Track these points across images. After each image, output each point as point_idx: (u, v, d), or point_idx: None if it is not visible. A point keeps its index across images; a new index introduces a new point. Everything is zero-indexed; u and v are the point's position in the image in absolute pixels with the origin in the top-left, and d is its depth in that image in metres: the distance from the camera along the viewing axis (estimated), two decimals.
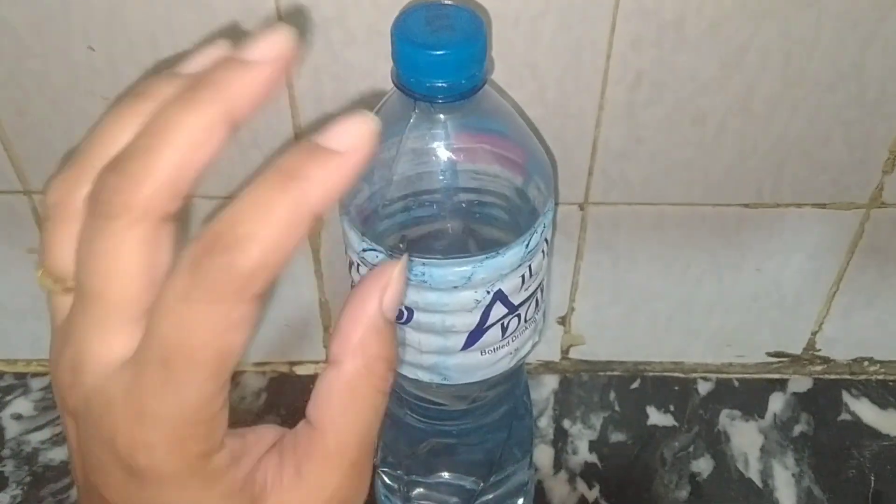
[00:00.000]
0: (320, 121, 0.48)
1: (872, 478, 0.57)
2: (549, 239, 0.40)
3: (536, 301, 0.41)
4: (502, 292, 0.38)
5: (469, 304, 0.37)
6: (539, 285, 0.41)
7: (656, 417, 0.60)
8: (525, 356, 0.43)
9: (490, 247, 0.37)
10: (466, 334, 0.38)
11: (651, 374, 0.62)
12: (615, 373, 0.62)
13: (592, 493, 0.56)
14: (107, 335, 0.23)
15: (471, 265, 0.36)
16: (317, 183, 0.22)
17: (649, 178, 0.51)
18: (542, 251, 0.39)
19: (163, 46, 0.45)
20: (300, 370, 0.63)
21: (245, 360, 0.63)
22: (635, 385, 0.62)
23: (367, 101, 0.46)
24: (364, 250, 0.37)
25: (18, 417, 0.59)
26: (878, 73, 0.45)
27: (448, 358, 0.39)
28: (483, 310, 0.38)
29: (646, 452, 0.58)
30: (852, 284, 0.57)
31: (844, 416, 0.60)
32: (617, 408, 0.60)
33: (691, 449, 0.58)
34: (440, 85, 0.33)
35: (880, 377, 0.62)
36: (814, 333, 0.60)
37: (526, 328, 0.41)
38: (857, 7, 0.43)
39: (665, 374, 0.62)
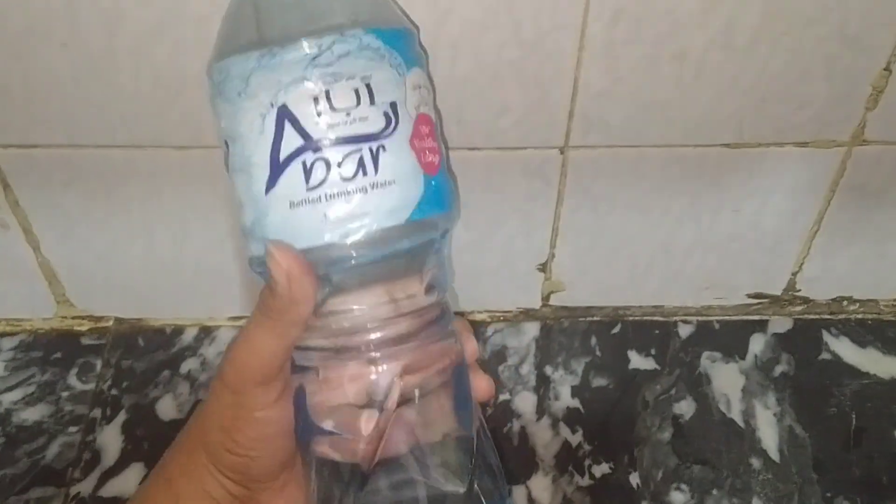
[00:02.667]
0: None
1: (853, 415, 0.57)
2: (372, 94, 0.35)
3: (362, 163, 0.35)
4: (287, 108, 0.34)
5: (256, 120, 0.34)
6: (369, 144, 0.35)
7: (638, 361, 0.60)
8: (360, 238, 0.35)
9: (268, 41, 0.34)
10: (266, 170, 0.34)
11: (631, 318, 0.62)
12: (595, 318, 0.62)
13: (576, 438, 0.56)
14: None
15: (249, 64, 0.34)
16: None
17: (629, 119, 0.50)
18: (356, 91, 0.34)
19: None
20: None
21: (220, 314, 0.62)
22: (616, 330, 0.61)
23: None
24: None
25: None
26: (860, 6, 0.44)
27: (259, 212, 0.35)
28: (273, 132, 0.34)
29: (628, 396, 0.58)
30: (832, 224, 0.57)
31: (825, 356, 0.60)
32: (598, 353, 0.60)
33: (673, 392, 0.58)
34: None
35: (859, 316, 0.62)
36: (794, 274, 0.60)
37: (347, 190, 0.34)
38: None
39: (645, 318, 0.62)
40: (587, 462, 0.55)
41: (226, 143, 0.36)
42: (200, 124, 0.49)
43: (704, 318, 0.62)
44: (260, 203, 0.35)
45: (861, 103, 0.49)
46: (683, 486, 0.54)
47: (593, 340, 0.61)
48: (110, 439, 0.55)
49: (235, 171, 0.36)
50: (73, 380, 0.58)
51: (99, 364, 0.59)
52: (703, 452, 0.55)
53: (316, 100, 0.34)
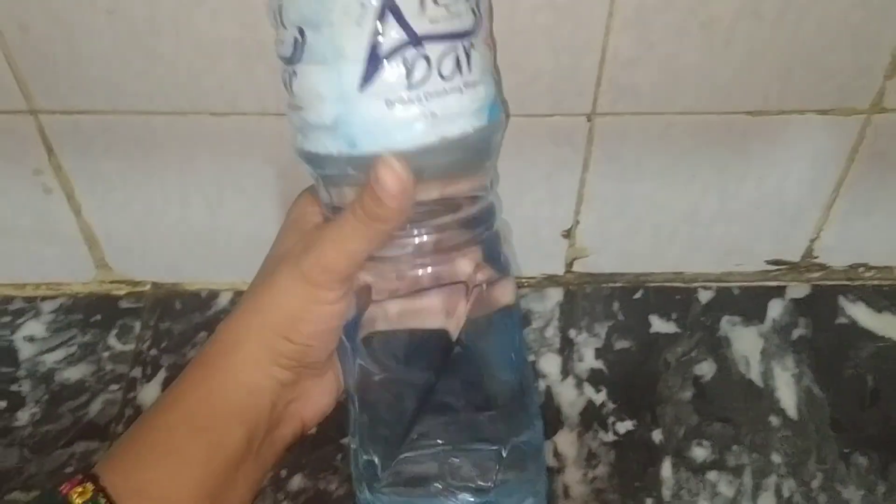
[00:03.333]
0: None
1: (869, 377, 0.59)
2: None
3: (459, 62, 0.34)
4: (395, 3, 0.32)
5: (354, 7, 0.32)
6: (463, 41, 0.34)
7: (659, 325, 0.61)
8: (456, 138, 0.35)
9: None
10: (362, 64, 0.33)
11: (653, 284, 0.63)
12: (618, 284, 0.64)
13: (600, 397, 0.57)
14: None
15: None
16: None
17: (657, 86, 0.51)
18: None
19: None
20: None
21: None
22: (638, 295, 0.63)
23: None
24: None
25: (31, 339, 0.60)
26: None
27: (348, 107, 0.34)
28: (373, 23, 0.32)
29: (650, 358, 0.59)
30: (851, 192, 0.58)
31: (841, 320, 0.62)
32: (621, 317, 0.62)
33: (694, 354, 0.60)
34: None
35: (875, 282, 0.64)
36: (812, 241, 0.62)
37: (446, 89, 0.34)
38: None
39: (666, 284, 0.64)
40: (611, 419, 0.56)
41: (299, 29, 0.34)
42: (236, 91, 0.51)
43: (724, 284, 0.64)
44: (350, 98, 0.33)
45: (881, 72, 0.51)
46: (705, 442, 0.55)
47: (616, 305, 0.62)
48: (151, 396, 0.57)
49: (315, 62, 0.34)
50: (112, 341, 0.60)
51: (138, 326, 0.61)
52: (723, 411, 0.57)
53: None
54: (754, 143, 0.54)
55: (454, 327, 0.38)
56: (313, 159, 0.36)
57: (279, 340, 0.38)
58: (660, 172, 0.56)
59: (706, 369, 0.59)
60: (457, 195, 0.38)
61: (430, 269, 0.38)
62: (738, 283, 0.64)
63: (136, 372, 0.59)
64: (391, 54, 0.33)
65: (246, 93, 0.51)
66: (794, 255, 0.63)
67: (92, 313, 0.62)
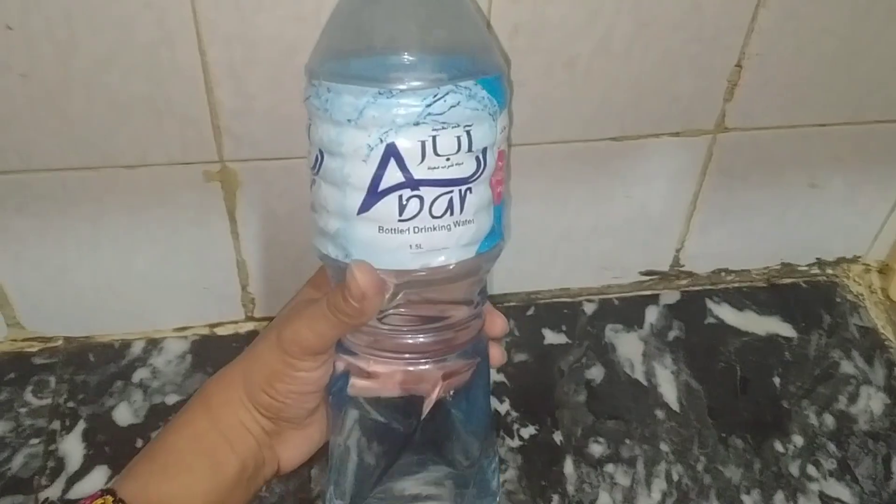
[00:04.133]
0: (232, 87, 0.52)
1: (738, 368, 0.66)
2: (471, 142, 0.38)
3: (451, 204, 0.38)
4: (396, 147, 0.37)
5: (362, 148, 0.37)
6: (459, 187, 0.38)
7: (551, 337, 0.67)
8: (436, 271, 0.39)
9: (380, 81, 0.37)
10: (363, 194, 0.38)
11: (542, 301, 0.69)
12: (511, 303, 0.69)
13: (504, 407, 0.62)
14: None
15: (365, 98, 0.36)
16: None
17: (531, 119, 0.57)
18: (458, 139, 0.38)
19: (79, 22, 0.48)
20: (221, 331, 0.66)
21: (165, 326, 0.66)
22: (530, 312, 0.69)
23: (278, 61, 0.51)
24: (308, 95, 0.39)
25: None
26: (714, 11, 0.53)
27: (347, 225, 0.39)
28: (377, 164, 0.37)
29: (545, 367, 0.65)
30: (707, 204, 0.66)
31: (710, 320, 0.69)
32: (517, 332, 0.67)
33: (584, 360, 0.66)
34: None
35: (736, 285, 0.72)
36: (677, 251, 0.69)
37: (434, 227, 0.38)
38: None
39: (554, 299, 0.70)
40: (515, 426, 0.61)
41: (320, 150, 0.39)
42: (146, 145, 0.54)
43: (605, 296, 0.70)
44: (349, 219, 0.39)
45: (720, 95, 0.58)
46: (601, 439, 0.61)
47: (511, 322, 0.67)
48: (72, 447, 0.59)
49: (326, 181, 0.39)
50: (29, 396, 0.61)
51: (53, 380, 0.62)
52: (614, 409, 0.63)
53: (423, 144, 0.37)
54: (619, 165, 0.61)
55: (427, 402, 0.43)
56: (323, 257, 0.42)
57: (260, 393, 0.43)
58: (538, 196, 0.62)
59: (596, 373, 0.65)
60: (442, 301, 0.43)
61: (403, 364, 0.43)
62: (618, 295, 0.70)
63: (56, 425, 0.60)
64: (388, 191, 0.37)
65: (155, 145, 0.54)
66: (664, 265, 0.70)
67: (5, 372, 0.62)
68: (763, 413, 0.63)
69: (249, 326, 0.67)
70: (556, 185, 0.62)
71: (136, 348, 0.65)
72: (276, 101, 0.53)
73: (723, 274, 0.71)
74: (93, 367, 0.63)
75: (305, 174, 0.42)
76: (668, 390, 0.64)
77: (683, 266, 0.70)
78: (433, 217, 0.38)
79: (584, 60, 0.55)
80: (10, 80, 0.50)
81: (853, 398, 0.64)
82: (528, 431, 0.61)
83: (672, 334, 0.68)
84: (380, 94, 0.36)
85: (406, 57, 0.37)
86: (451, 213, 0.39)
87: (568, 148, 0.60)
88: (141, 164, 0.55)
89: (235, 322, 0.66)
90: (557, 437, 0.61)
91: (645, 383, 0.64)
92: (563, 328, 0.68)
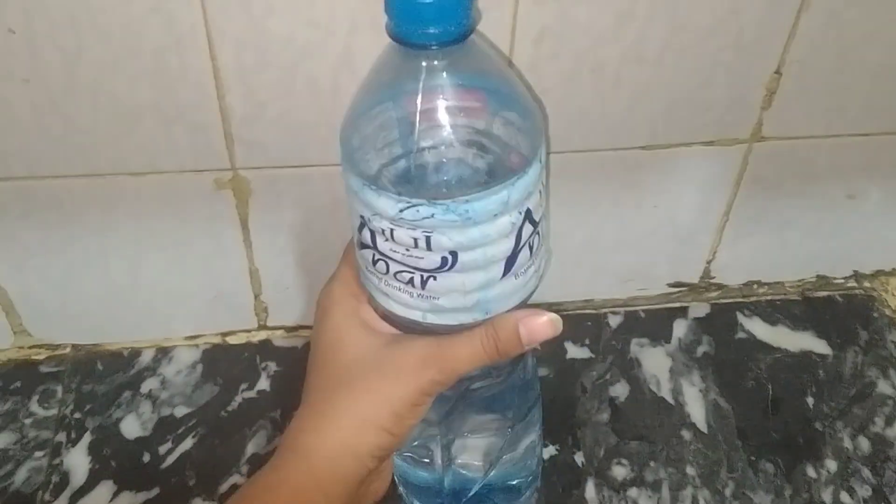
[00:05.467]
0: (243, 93, 0.50)
1: (770, 386, 0.63)
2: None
3: (544, 216, 0.43)
4: (529, 210, 0.40)
5: (507, 228, 0.40)
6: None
7: (574, 351, 0.64)
8: (543, 276, 0.46)
9: (512, 171, 0.39)
10: (504, 261, 0.41)
11: (565, 312, 0.67)
12: None
13: None
14: None
15: (506, 190, 0.38)
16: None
17: (554, 127, 0.54)
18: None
19: (84, 27, 0.46)
20: (232, 340, 0.64)
21: (176, 334, 0.64)
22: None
23: (289, 66, 0.48)
24: (403, 210, 0.38)
25: None
26: (753, 16, 0.50)
27: (489, 290, 0.41)
28: (517, 232, 0.40)
29: (567, 383, 0.62)
30: (740, 214, 0.63)
31: (740, 335, 0.66)
32: (538, 346, 0.64)
33: (608, 376, 0.63)
34: (438, 31, 0.36)
35: (769, 297, 0.69)
36: (708, 262, 0.66)
37: (542, 244, 0.43)
38: None
39: (578, 311, 0.67)
40: None
41: (452, 252, 0.40)
42: (154, 152, 0.52)
43: (631, 309, 0.67)
44: (492, 286, 0.41)
45: (757, 104, 0.55)
46: (624, 461, 0.58)
47: None
48: (77, 461, 0.57)
49: (464, 271, 0.40)
50: (34, 406, 0.60)
51: (59, 390, 0.61)
52: (638, 429, 0.60)
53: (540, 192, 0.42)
54: (646, 174, 0.58)
55: None
56: (434, 328, 0.42)
57: (381, 434, 0.41)
58: (562, 206, 0.59)
59: (620, 390, 0.62)
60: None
61: None
62: (644, 307, 0.68)
63: (61, 437, 0.58)
64: (524, 244, 0.41)
65: (165, 152, 0.52)
66: (693, 277, 0.67)
67: (11, 380, 0.61)
68: (795, 435, 0.60)
69: (262, 335, 0.65)
70: (579, 194, 0.59)
71: (146, 357, 0.63)
72: (288, 107, 0.51)
73: (755, 286, 0.69)
74: (101, 377, 0.62)
75: (390, 282, 0.41)
76: (696, 409, 0.61)
77: (714, 278, 0.67)
78: (541, 237, 0.43)
79: (612, 66, 0.52)
80: (12, 85, 0.48)
81: (890, 420, 0.61)
82: (548, 451, 0.59)
83: (701, 349, 0.65)
84: (518, 178, 0.39)
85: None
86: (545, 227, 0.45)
87: (594, 156, 0.57)
88: (150, 172, 0.53)
89: (248, 331, 0.64)
90: (579, 458, 0.58)
91: (671, 401, 0.62)
92: (587, 342, 0.65)
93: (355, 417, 0.41)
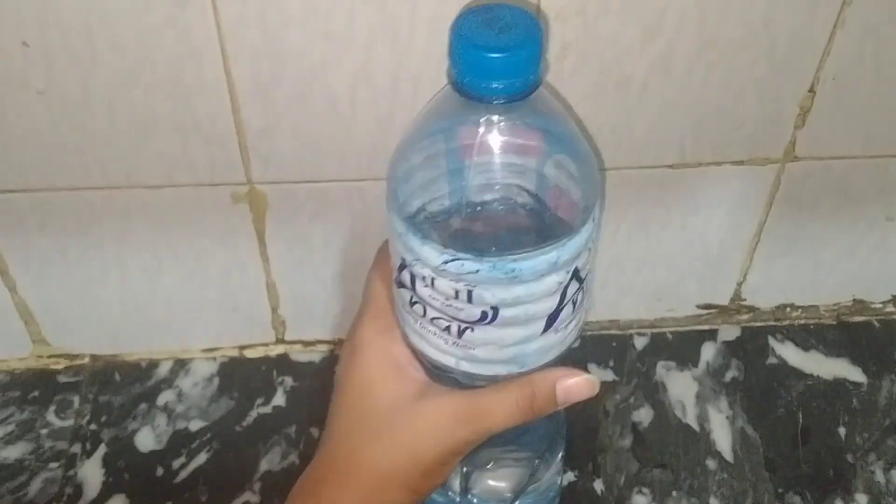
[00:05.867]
0: (259, 106, 0.49)
1: (800, 415, 0.61)
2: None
3: (590, 271, 0.42)
4: (577, 269, 0.39)
5: (553, 287, 0.38)
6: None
7: (597, 373, 0.63)
8: (582, 328, 0.45)
9: (564, 230, 0.38)
10: (546, 318, 0.39)
11: (589, 332, 0.65)
12: None
13: None
14: None
15: (556, 251, 0.37)
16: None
17: None
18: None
19: (98, 38, 0.45)
20: (250, 353, 0.64)
21: (193, 346, 0.63)
22: (575, 344, 0.64)
23: (306, 79, 0.48)
24: (447, 262, 0.37)
25: None
26: (786, 30, 0.48)
27: (528, 345, 0.40)
28: (563, 290, 0.39)
29: (589, 406, 0.60)
30: (772, 236, 0.61)
31: (771, 360, 0.64)
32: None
33: (631, 400, 0.61)
34: (503, 85, 0.34)
35: (802, 322, 0.66)
36: (739, 284, 0.64)
37: (584, 298, 0.42)
38: None
39: (602, 331, 0.65)
40: None
41: (493, 307, 0.39)
42: (171, 164, 0.52)
43: (658, 330, 0.65)
44: (533, 340, 0.40)
45: (790, 122, 0.53)
46: (645, 490, 0.57)
47: None
48: (91, 473, 0.57)
49: (504, 325, 0.39)
50: (51, 416, 0.59)
51: (77, 400, 0.60)
52: (661, 457, 0.58)
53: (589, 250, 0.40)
54: (674, 193, 0.57)
55: None
56: (466, 376, 0.42)
57: (406, 493, 0.40)
58: None
59: (644, 415, 0.60)
60: None
61: None
62: (671, 329, 0.66)
63: (77, 448, 0.58)
64: (568, 301, 0.40)
65: (181, 165, 0.52)
66: (723, 299, 0.65)
67: (30, 389, 0.61)
68: (825, 467, 0.58)
69: (280, 349, 0.64)
70: (605, 211, 0.57)
71: (164, 369, 0.62)
72: (305, 121, 0.50)
73: (788, 310, 0.66)
74: (118, 388, 0.61)
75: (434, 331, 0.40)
76: (722, 437, 0.59)
77: (745, 300, 0.65)
78: (585, 291, 0.42)
79: (638, 81, 0.50)
80: (27, 96, 0.48)
81: None
82: (567, 478, 0.57)
83: (729, 374, 0.63)
84: (569, 240, 0.38)
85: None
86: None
87: (619, 175, 0.55)
88: (166, 185, 0.53)
89: (266, 344, 0.64)
90: (598, 485, 0.57)
91: (697, 429, 0.60)
92: (611, 364, 0.63)
93: (380, 474, 0.40)
